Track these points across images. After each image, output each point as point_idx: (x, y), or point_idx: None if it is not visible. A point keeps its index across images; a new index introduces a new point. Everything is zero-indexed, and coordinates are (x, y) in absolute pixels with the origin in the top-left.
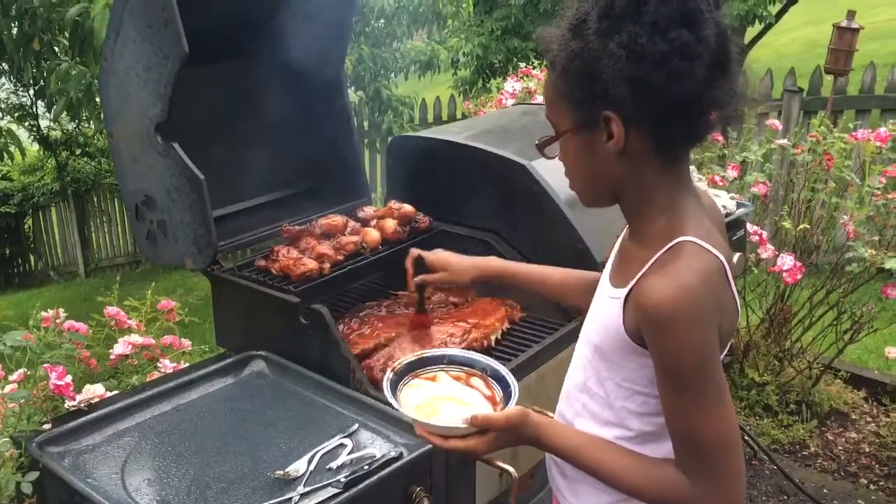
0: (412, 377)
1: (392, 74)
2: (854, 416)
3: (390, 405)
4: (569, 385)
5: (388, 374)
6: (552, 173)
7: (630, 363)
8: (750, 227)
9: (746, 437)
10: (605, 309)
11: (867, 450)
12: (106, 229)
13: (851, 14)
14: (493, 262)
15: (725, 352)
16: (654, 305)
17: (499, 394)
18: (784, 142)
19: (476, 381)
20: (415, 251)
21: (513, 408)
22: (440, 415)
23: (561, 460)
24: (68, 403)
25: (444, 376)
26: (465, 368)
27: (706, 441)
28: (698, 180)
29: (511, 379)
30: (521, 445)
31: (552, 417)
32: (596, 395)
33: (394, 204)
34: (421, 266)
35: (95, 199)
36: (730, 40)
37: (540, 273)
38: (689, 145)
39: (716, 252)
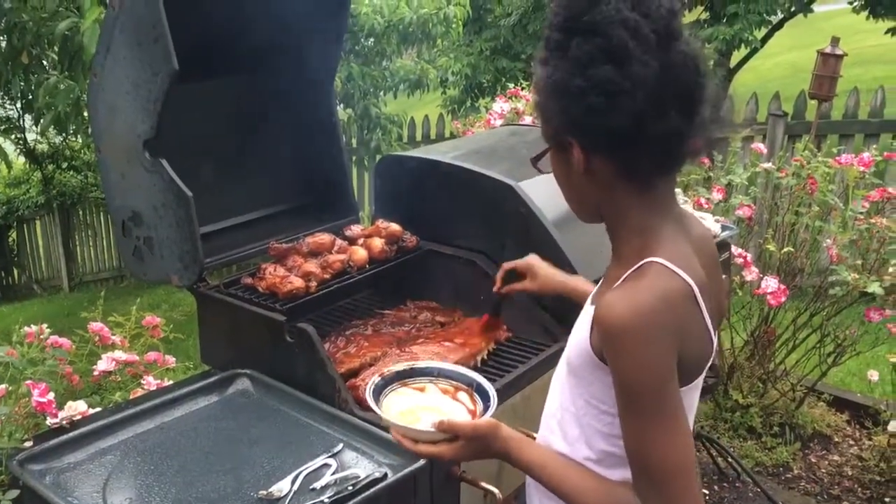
0: (401, 385)
1: (381, 93)
2: (837, 439)
3: (371, 410)
4: (547, 403)
5: (375, 378)
6: (539, 194)
7: (596, 381)
8: (735, 250)
9: (730, 459)
10: (580, 325)
11: (850, 473)
12: (91, 243)
13: (835, 40)
14: (577, 283)
15: (700, 378)
16: (608, 321)
17: (480, 408)
18: (769, 165)
19: (462, 395)
20: (508, 264)
21: (484, 419)
22: (422, 423)
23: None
24: (50, 421)
25: (433, 388)
26: (453, 382)
27: (657, 465)
28: (684, 203)
29: (492, 392)
30: (491, 458)
31: (533, 436)
32: (567, 413)
33: (381, 223)
34: (511, 277)
35: (81, 212)
36: (693, 70)
37: None
38: (658, 172)
39: (685, 276)
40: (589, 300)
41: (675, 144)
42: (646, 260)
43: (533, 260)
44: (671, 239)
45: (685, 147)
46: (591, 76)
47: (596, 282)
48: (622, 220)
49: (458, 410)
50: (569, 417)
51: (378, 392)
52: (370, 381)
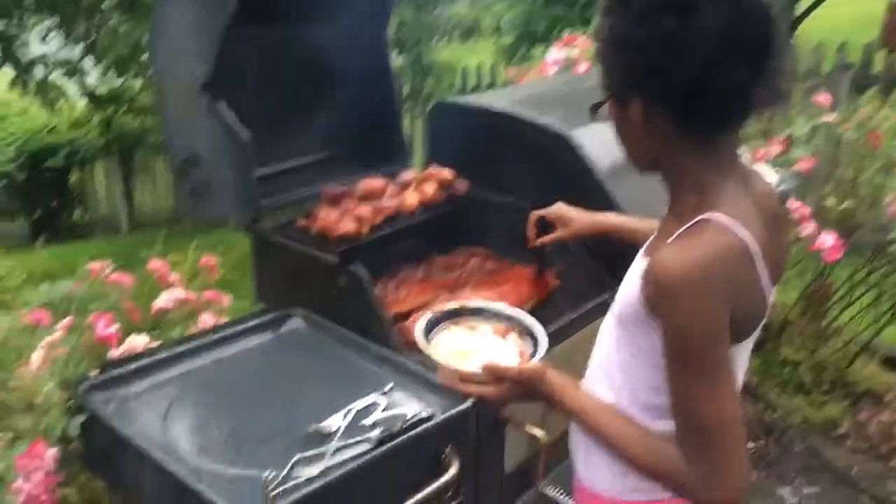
0: (452, 323)
1: (434, 39)
2: (889, 398)
3: (421, 345)
4: (594, 352)
5: (427, 314)
6: (593, 144)
7: (644, 334)
8: (793, 203)
9: (777, 414)
10: (631, 277)
11: None
12: (150, 186)
13: None
14: (610, 219)
15: (753, 337)
16: (662, 275)
17: (530, 350)
18: (832, 117)
19: (513, 336)
20: (535, 214)
21: (532, 363)
22: (471, 362)
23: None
24: (113, 352)
25: (485, 327)
26: (504, 322)
27: (703, 421)
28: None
29: (542, 335)
30: (536, 402)
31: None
32: (613, 363)
33: (433, 169)
34: (542, 227)
35: (140, 155)
36: (761, 21)
37: (649, 230)
38: (720, 127)
39: (742, 234)
40: (641, 252)
41: (740, 99)
42: (703, 216)
43: (561, 208)
44: (731, 195)
45: (749, 102)
46: (653, 28)
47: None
48: (680, 174)
49: (508, 351)
50: (614, 368)
51: (429, 330)
52: (422, 318)
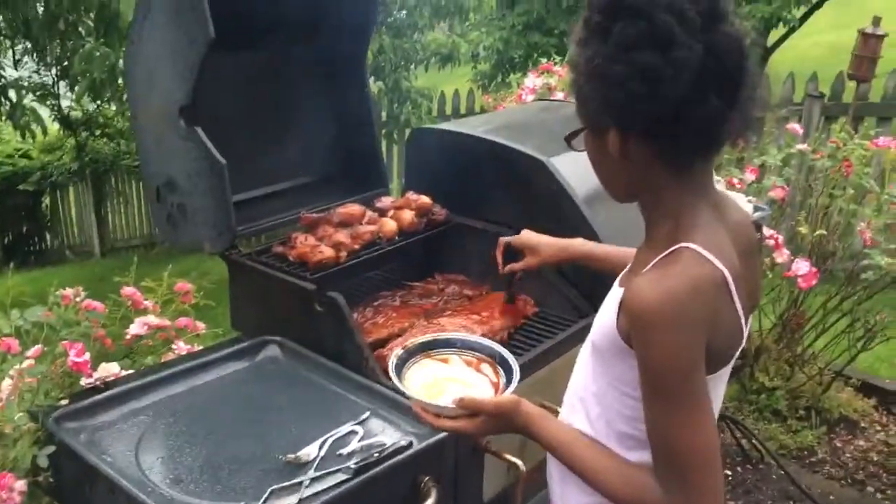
0: (424, 356)
1: (412, 66)
2: (863, 424)
3: (393, 382)
4: (571, 381)
5: (398, 351)
6: (571, 170)
7: (621, 363)
8: (766, 231)
9: (754, 441)
10: (607, 307)
11: (875, 458)
12: (123, 210)
13: (877, 20)
14: (577, 245)
15: (729, 366)
16: (637, 306)
17: (503, 381)
18: (804, 147)
19: (486, 367)
20: (503, 240)
21: (506, 395)
22: (445, 395)
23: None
24: (85, 381)
25: (457, 359)
26: (476, 354)
27: (680, 452)
28: (717, 182)
29: (515, 365)
30: (512, 434)
31: (557, 411)
32: (589, 392)
33: (411, 195)
34: (509, 253)
35: (113, 179)
36: (736, 53)
37: (617, 257)
38: (696, 157)
39: (717, 263)
40: (617, 282)
41: (715, 128)
42: (678, 245)
43: (528, 235)
44: (706, 224)
45: (724, 131)
46: (634, 62)
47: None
48: (657, 202)
49: (481, 383)
50: (591, 397)
51: (401, 365)
52: (393, 353)
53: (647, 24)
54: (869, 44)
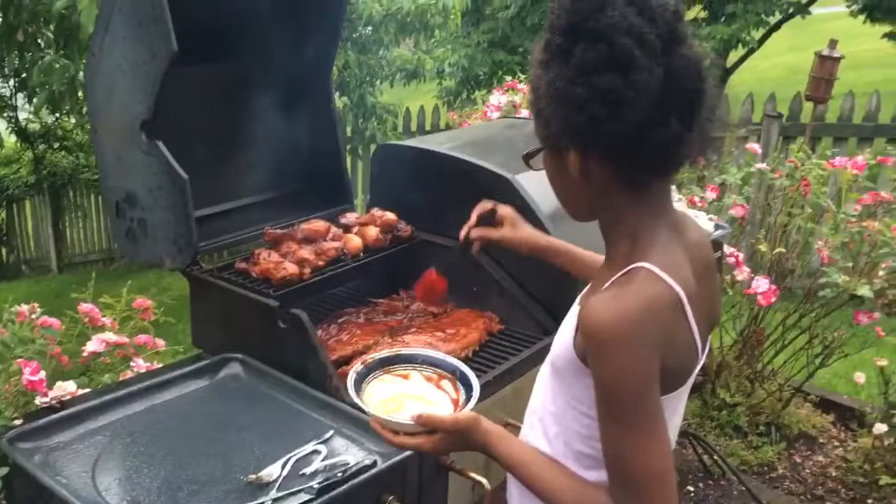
0: (384, 372)
1: (377, 82)
2: (822, 440)
3: (351, 397)
4: (531, 399)
5: (357, 366)
6: (536, 187)
7: (578, 382)
8: (727, 249)
9: (716, 457)
10: (567, 325)
11: (834, 474)
12: (81, 225)
13: (833, 43)
14: (556, 241)
15: (686, 385)
16: (591, 325)
17: (463, 397)
18: (763, 166)
19: (446, 383)
20: (487, 203)
21: (465, 412)
22: (404, 411)
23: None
24: (40, 400)
25: (417, 375)
26: (437, 370)
27: (633, 472)
28: (678, 201)
29: (475, 382)
30: (470, 451)
31: (519, 426)
32: (547, 411)
33: (376, 211)
34: (485, 220)
35: (71, 193)
36: (695, 77)
37: (578, 256)
38: (654, 178)
39: (672, 283)
40: (577, 300)
41: (674, 150)
42: (634, 265)
43: (513, 211)
44: (663, 244)
45: (683, 152)
46: (595, 85)
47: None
48: (615, 222)
49: (441, 399)
50: (549, 417)
51: (361, 380)
52: (353, 369)
53: (607, 48)
54: (825, 66)
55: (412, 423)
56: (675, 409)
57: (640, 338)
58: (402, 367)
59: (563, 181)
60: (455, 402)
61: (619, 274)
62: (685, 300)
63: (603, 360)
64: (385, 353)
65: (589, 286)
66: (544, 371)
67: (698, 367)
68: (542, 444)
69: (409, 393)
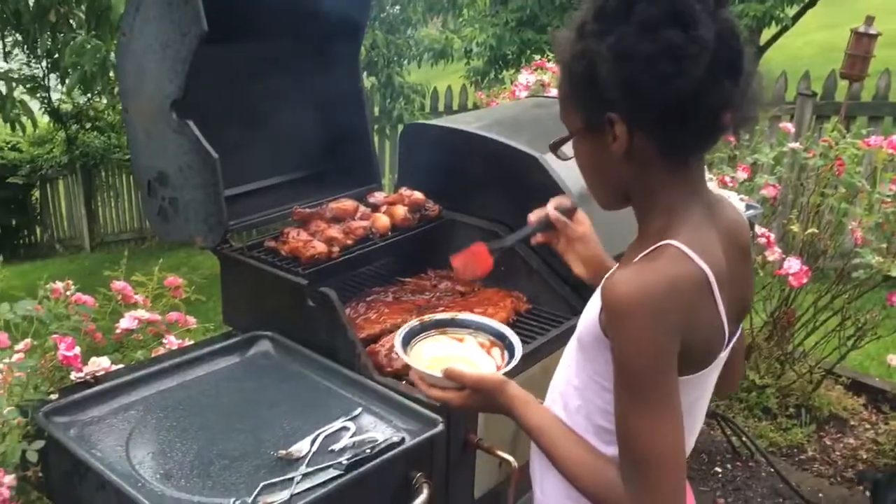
0: (440, 332)
1: (405, 62)
2: (853, 423)
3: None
4: (556, 373)
5: (413, 322)
6: (564, 166)
7: (601, 357)
8: (758, 230)
9: (744, 438)
10: (594, 301)
11: (864, 456)
12: (113, 204)
13: (870, 19)
14: (607, 256)
15: (711, 367)
16: (611, 298)
17: (505, 365)
18: (796, 145)
19: (496, 351)
20: (566, 200)
21: (492, 374)
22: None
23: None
24: (75, 375)
25: (471, 340)
26: (490, 337)
27: (641, 449)
28: (709, 180)
29: (517, 351)
30: (496, 413)
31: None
32: (571, 386)
33: (404, 191)
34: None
35: (103, 173)
36: (737, 39)
37: None
38: (697, 148)
39: (700, 262)
40: (606, 276)
41: (722, 114)
42: (663, 242)
43: (589, 227)
44: (695, 222)
45: (723, 121)
46: (661, 39)
47: None
48: (651, 200)
49: (486, 364)
50: (572, 390)
51: (413, 335)
52: (407, 323)
53: (669, 3)
54: (861, 43)
55: (442, 376)
56: (701, 391)
57: (659, 314)
58: (458, 330)
59: (599, 163)
60: (498, 369)
61: (648, 250)
62: (713, 281)
63: (620, 334)
64: (443, 315)
65: (619, 263)
66: (570, 347)
67: (725, 351)
68: (563, 416)
69: (459, 355)
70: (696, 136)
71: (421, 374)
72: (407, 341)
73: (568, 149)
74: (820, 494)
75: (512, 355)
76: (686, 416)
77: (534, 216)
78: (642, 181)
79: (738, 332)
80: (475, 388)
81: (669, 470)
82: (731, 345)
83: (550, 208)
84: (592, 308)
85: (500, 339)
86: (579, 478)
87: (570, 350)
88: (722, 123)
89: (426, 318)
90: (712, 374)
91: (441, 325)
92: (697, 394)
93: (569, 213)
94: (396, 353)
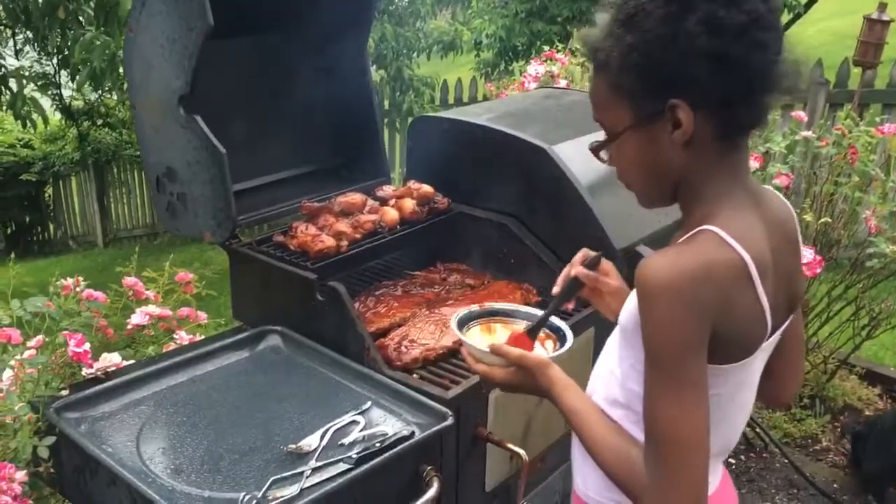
0: (499, 322)
1: (414, 54)
2: (868, 413)
3: (401, 366)
4: (598, 361)
5: (474, 307)
6: (573, 158)
7: (640, 343)
8: None
9: (758, 429)
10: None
11: None
12: (125, 200)
13: (883, 6)
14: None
15: (754, 357)
16: (644, 278)
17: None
18: (808, 134)
19: (549, 343)
20: (591, 252)
21: (536, 354)
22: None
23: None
24: (86, 371)
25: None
26: (546, 330)
27: (662, 434)
28: None
29: (568, 341)
30: (535, 394)
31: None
32: (613, 375)
33: (413, 184)
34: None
35: (115, 169)
36: (777, 15)
37: None
38: (750, 127)
39: (739, 249)
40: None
41: (774, 92)
42: (702, 227)
43: (618, 277)
44: (738, 210)
45: (772, 98)
46: (751, 11)
47: None
48: (698, 189)
49: (539, 353)
50: (613, 379)
51: (471, 318)
52: (471, 307)
53: None
54: (874, 30)
55: (489, 352)
56: (744, 381)
57: (690, 297)
58: (519, 321)
59: (651, 157)
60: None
61: (687, 235)
62: (753, 268)
63: (649, 314)
64: (506, 305)
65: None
66: (613, 335)
67: (768, 340)
68: (604, 405)
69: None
70: (755, 113)
71: (469, 348)
72: (464, 323)
73: (611, 150)
74: (835, 485)
75: (562, 346)
76: (728, 406)
77: (560, 281)
78: (694, 169)
79: (787, 324)
80: (518, 364)
81: (691, 453)
82: (775, 336)
83: (578, 268)
84: (635, 296)
85: (555, 331)
86: (606, 461)
87: (613, 340)
88: (769, 101)
89: (486, 305)
90: (754, 364)
91: (498, 315)
92: (739, 382)
93: (594, 265)
94: (453, 329)
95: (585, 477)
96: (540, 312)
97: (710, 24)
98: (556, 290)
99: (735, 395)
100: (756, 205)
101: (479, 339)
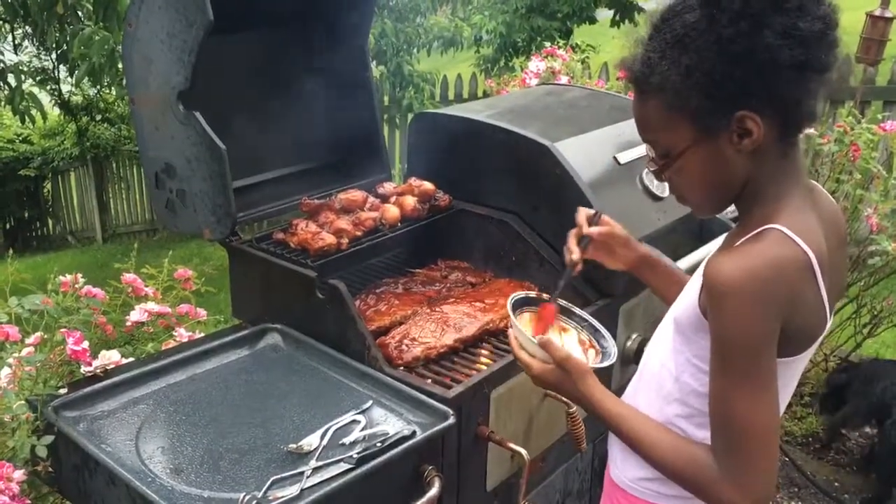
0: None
1: (414, 50)
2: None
3: (407, 363)
4: (645, 357)
5: (531, 293)
6: (575, 155)
7: (700, 339)
8: None
9: None
10: (692, 285)
11: None
12: (124, 196)
13: (885, 2)
14: (639, 244)
15: (809, 350)
16: (715, 279)
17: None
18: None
19: (591, 352)
20: (590, 210)
21: (581, 358)
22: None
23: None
24: (84, 369)
25: (574, 335)
26: (592, 338)
27: (737, 428)
28: None
29: (611, 356)
30: (568, 397)
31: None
32: (665, 369)
33: (414, 181)
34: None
35: (115, 165)
36: None
37: (671, 268)
38: (810, 123)
39: (803, 246)
40: (705, 262)
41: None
42: (766, 226)
43: (622, 228)
44: (798, 208)
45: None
46: (823, 16)
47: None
48: (759, 192)
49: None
50: (666, 373)
51: (526, 304)
52: (525, 292)
53: None
54: (877, 26)
55: (536, 343)
56: (794, 374)
57: (763, 295)
58: (569, 322)
59: (716, 170)
60: None
61: (751, 234)
62: (816, 265)
63: (723, 313)
64: (563, 302)
65: (717, 250)
66: (665, 330)
67: (823, 335)
68: (655, 401)
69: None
70: (814, 111)
71: (518, 332)
72: (517, 307)
73: (672, 172)
74: (836, 484)
75: (604, 360)
76: (781, 396)
77: (572, 245)
78: (757, 173)
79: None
80: (560, 364)
81: (766, 449)
82: (826, 331)
83: (586, 228)
84: (691, 290)
85: (599, 341)
86: (664, 459)
87: (665, 334)
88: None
89: (545, 294)
90: (806, 357)
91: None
92: (789, 377)
93: (598, 222)
94: (508, 311)
95: (626, 471)
96: (598, 324)
97: (790, 35)
98: (575, 255)
99: (788, 385)
100: (812, 203)
101: (527, 327)
